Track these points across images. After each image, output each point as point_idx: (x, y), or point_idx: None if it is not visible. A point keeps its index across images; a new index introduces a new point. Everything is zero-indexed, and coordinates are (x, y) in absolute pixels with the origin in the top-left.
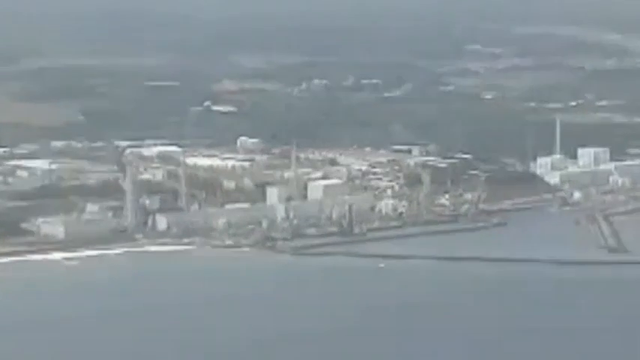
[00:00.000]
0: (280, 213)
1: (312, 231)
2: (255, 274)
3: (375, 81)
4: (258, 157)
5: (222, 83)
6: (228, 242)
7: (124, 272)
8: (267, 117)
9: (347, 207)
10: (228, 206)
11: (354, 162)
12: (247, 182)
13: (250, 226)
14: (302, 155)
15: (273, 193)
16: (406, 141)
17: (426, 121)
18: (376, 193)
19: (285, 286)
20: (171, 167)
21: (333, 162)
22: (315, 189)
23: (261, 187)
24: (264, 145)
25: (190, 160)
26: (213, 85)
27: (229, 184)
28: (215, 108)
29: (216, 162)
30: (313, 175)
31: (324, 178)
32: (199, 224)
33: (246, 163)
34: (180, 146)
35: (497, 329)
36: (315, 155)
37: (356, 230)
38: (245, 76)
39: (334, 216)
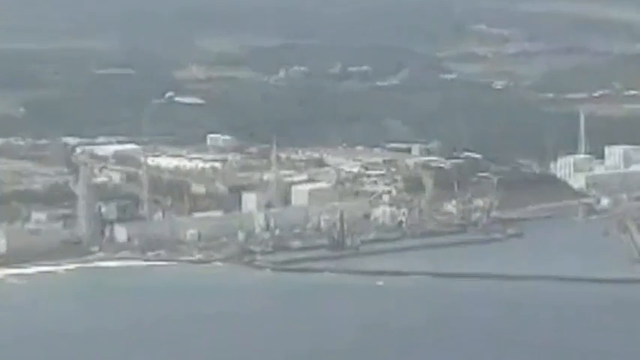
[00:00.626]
0: (259, 222)
1: (296, 243)
2: (230, 293)
3: (365, 68)
4: (231, 157)
5: (187, 70)
6: (199, 256)
7: (77, 291)
8: (241, 110)
9: (337, 215)
10: (197, 214)
11: (344, 163)
12: (219, 186)
13: (224, 238)
14: (283, 155)
15: (250, 199)
16: (404, 138)
17: (427, 114)
18: (371, 199)
19: (265, 307)
20: (130, 169)
21: (319, 163)
22: (300, 194)
23: (236, 191)
24: (238, 142)
25: (152, 161)
26: (176, 73)
27: (198, 189)
28: (179, 99)
29: (182, 163)
30: (297, 178)
31: (309, 181)
32: (164, 235)
33: (218, 164)
34: (139, 144)
35: (512, 358)
36: (299, 155)
37: (348, 242)
38: (214, 62)
39: (322, 226)
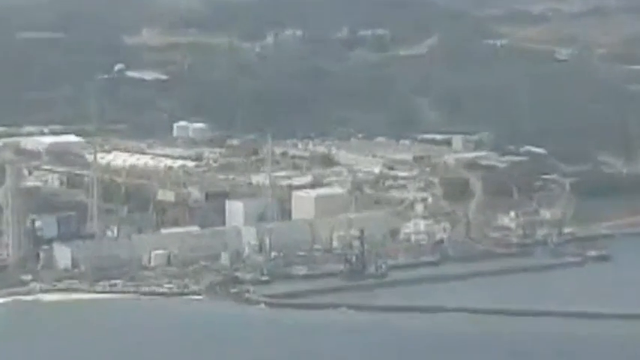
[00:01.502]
0: (249, 241)
1: (300, 270)
2: (211, 336)
3: (380, 31)
4: (207, 153)
5: (142, 35)
6: (169, 287)
7: (6, 333)
8: (216, 89)
9: (355, 231)
10: (165, 230)
11: (361, 160)
12: (194, 192)
13: (202, 262)
14: (277, 150)
15: (236, 210)
16: (440, 127)
17: (469, 94)
18: (399, 209)
19: (258, 357)
20: (72, 169)
21: (327, 160)
22: (303, 203)
23: (217, 199)
24: (215, 133)
25: (102, 158)
26: (126, 39)
27: (166, 196)
28: (132, 74)
29: (142, 160)
30: (298, 181)
31: (315, 185)
32: (122, 259)
33: (190, 163)
34: (81, 135)
35: None
36: (299, 150)
37: (370, 269)
38: (177, 23)
39: (335, 246)
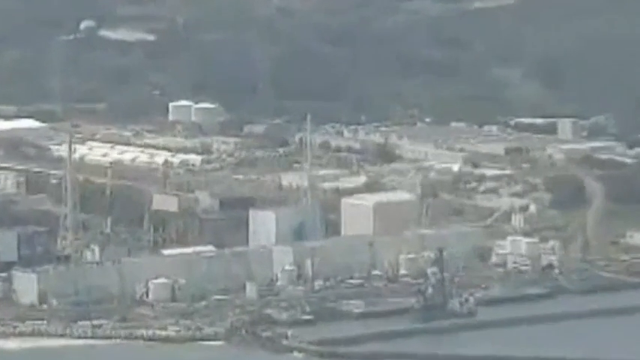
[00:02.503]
0: (284, 265)
1: (355, 306)
2: None
3: None
4: (219, 144)
5: None
6: (174, 329)
7: None
8: (225, 53)
9: (429, 253)
10: (167, 251)
11: (432, 153)
12: (204, 199)
13: (220, 296)
14: (314, 139)
15: (264, 223)
16: (541, 107)
17: (579, 60)
18: (489, 221)
19: None
20: (33, 166)
21: (385, 153)
22: (357, 213)
23: (235, 208)
24: (228, 116)
25: (73, 151)
26: None
27: (165, 203)
28: (106, 34)
29: (129, 154)
30: (347, 183)
31: (371, 188)
32: (108, 291)
33: (196, 158)
34: (43, 120)
35: None
36: (345, 139)
37: (452, 305)
38: None
39: (403, 272)
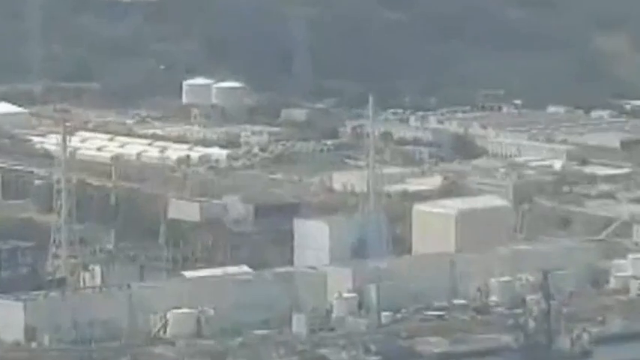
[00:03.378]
0: (342, 291)
1: (434, 344)
2: None
3: None
4: (249, 134)
5: None
6: None
7: None
8: (250, 15)
9: (529, 275)
10: (189, 273)
11: (527, 146)
12: (234, 205)
13: (258, 330)
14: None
15: (314, 237)
16: None
17: None
18: (605, 235)
19: None
20: (11, 163)
21: (465, 145)
22: (434, 224)
23: (275, 217)
24: (259, 97)
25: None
26: None
27: (185, 211)
28: None
29: (134, 148)
30: (419, 185)
31: (448, 192)
32: (115, 324)
33: (220, 152)
34: (22, 102)
35: None
36: (412, 129)
37: (561, 342)
38: None
39: (495, 300)
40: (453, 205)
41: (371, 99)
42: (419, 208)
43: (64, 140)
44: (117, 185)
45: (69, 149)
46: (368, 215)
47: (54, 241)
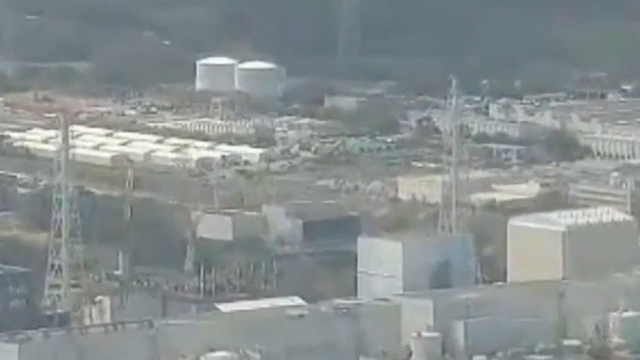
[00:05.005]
0: (419, 330)
1: None
2: None
3: None
4: (283, 128)
5: None
6: None
7: None
8: None
9: None
10: (226, 306)
11: None
12: (276, 218)
13: None
14: (440, 120)
15: (382, 260)
16: None
17: None
18: None
19: None
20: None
21: (564, 142)
22: (535, 244)
23: (327, 234)
24: (291, 79)
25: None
26: None
27: (216, 227)
28: None
29: (140, 146)
30: (510, 194)
31: (549, 203)
32: None
33: (253, 152)
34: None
35: None
36: (495, 122)
37: None
38: None
39: (615, 341)
40: (560, 220)
41: (454, 81)
42: (515, 223)
43: (66, 140)
44: (126, 195)
45: (56, 148)
46: (451, 232)
47: (52, 266)
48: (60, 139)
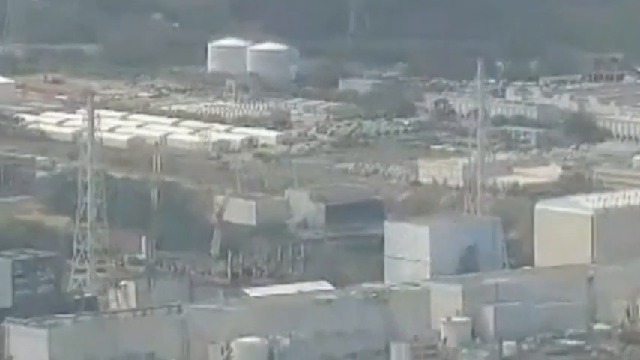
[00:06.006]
0: (448, 315)
1: None
2: None
3: None
4: (299, 111)
5: None
6: None
7: None
8: None
9: None
10: (256, 291)
11: None
12: (299, 202)
13: None
14: (464, 103)
15: (409, 244)
16: None
17: None
18: None
19: None
20: (4, 148)
21: (582, 125)
22: (563, 228)
23: (351, 218)
24: (305, 61)
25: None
26: None
27: (236, 212)
28: None
29: (156, 129)
30: (532, 177)
31: (573, 186)
32: (164, 356)
33: (267, 134)
34: (5, 71)
35: None
36: (509, 105)
37: None
38: None
39: None
40: (588, 204)
41: (480, 64)
42: (543, 207)
43: (91, 121)
44: (154, 179)
45: (71, 131)
46: (478, 218)
47: (78, 251)
48: (85, 122)
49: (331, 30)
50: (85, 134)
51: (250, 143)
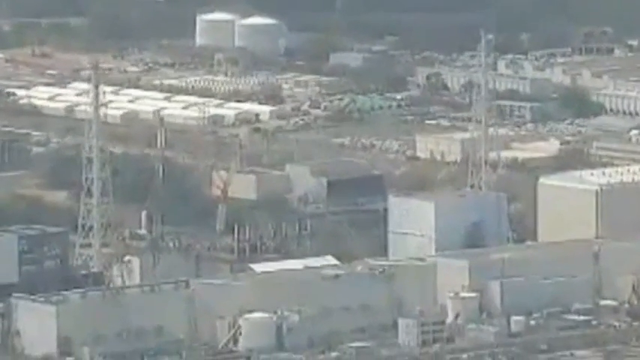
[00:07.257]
0: (454, 290)
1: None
2: None
3: None
4: (291, 85)
5: None
6: None
7: None
8: None
9: None
10: (262, 266)
11: None
12: (300, 177)
13: (354, 344)
14: (461, 76)
15: (414, 219)
16: None
17: None
18: None
19: None
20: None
21: (576, 99)
22: (568, 204)
23: (354, 193)
24: (294, 35)
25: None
26: None
27: (237, 186)
28: None
29: (148, 104)
30: (531, 151)
31: (573, 161)
32: (172, 331)
33: (261, 109)
34: None
35: None
36: (502, 78)
37: None
38: None
39: None
40: (592, 179)
41: (484, 38)
42: (546, 182)
43: (96, 97)
44: (158, 154)
45: (64, 106)
46: (482, 193)
47: (83, 226)
48: (90, 98)
49: (320, 4)
50: (77, 109)
51: (245, 118)
